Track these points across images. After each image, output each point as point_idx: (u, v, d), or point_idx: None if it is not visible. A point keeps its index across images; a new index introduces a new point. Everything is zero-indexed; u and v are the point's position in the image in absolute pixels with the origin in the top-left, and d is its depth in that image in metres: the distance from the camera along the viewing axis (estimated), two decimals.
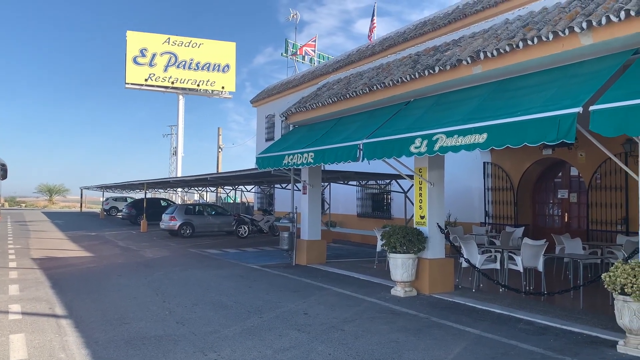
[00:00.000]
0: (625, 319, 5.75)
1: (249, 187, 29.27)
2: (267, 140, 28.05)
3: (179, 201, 44.37)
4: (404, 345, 6.03)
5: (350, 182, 18.90)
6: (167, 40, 46.50)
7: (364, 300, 8.68)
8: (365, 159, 8.72)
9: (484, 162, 15.47)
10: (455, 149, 7.01)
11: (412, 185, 10.09)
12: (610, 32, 6.06)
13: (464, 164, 15.44)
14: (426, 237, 9.24)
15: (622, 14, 5.80)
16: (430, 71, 8.46)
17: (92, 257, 14.86)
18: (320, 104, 11.50)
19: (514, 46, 7.08)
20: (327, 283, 10.30)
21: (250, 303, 8.32)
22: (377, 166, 12.34)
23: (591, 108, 5.43)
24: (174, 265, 13.06)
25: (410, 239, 8.97)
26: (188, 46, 47.02)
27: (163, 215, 22.94)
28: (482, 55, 7.54)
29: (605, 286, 5.91)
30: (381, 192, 20.25)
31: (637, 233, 6.34)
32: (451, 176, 13.24)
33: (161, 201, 33.98)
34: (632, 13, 5.71)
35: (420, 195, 9.52)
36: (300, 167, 11.18)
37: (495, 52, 7.35)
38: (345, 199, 21.75)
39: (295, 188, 14.38)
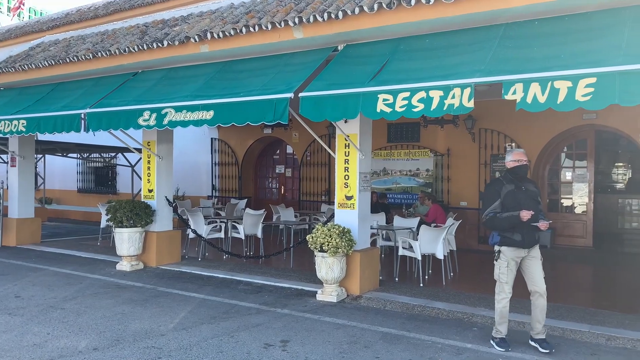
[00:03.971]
0: (323, 272, 6.95)
1: None
2: None
3: None
4: (130, 316, 6.10)
5: (70, 155, 17.38)
6: None
7: (86, 277, 8.33)
8: (91, 129, 8.28)
9: (211, 138, 16.10)
10: (184, 123, 7.26)
11: (140, 158, 9.97)
12: (316, 29, 7.05)
13: (193, 139, 15.79)
14: (154, 210, 9.31)
15: (325, 15, 6.83)
16: (159, 44, 8.45)
17: None
18: (34, 65, 10.30)
19: (238, 31, 7.62)
20: (43, 263, 9.48)
21: None
22: (101, 138, 11.74)
23: (300, 95, 6.32)
24: None
25: (137, 212, 8.92)
26: None
27: None
28: (209, 35, 7.89)
29: (309, 246, 7.02)
30: (106, 165, 19.17)
31: (335, 202, 7.66)
32: (180, 151, 13.45)
33: None
34: (332, 16, 6.76)
35: (149, 169, 9.50)
36: (7, 135, 9.90)
37: (221, 34, 7.78)
38: (63, 173, 19.87)
39: (1, 160, 12.59)
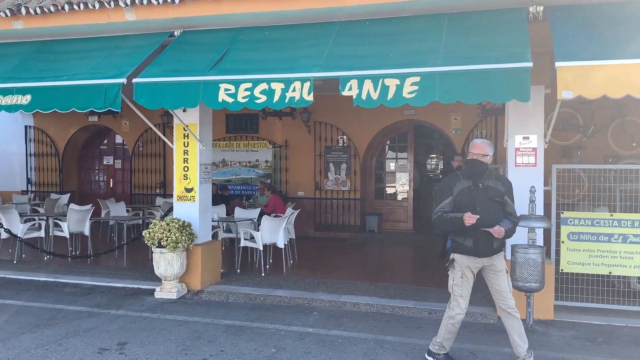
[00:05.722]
0: (162, 268, 6.66)
1: None
2: None
3: None
4: None
5: None
6: None
7: None
8: None
9: (25, 126, 14.35)
10: None
11: None
12: (151, 12, 6.62)
13: (2, 126, 13.93)
14: None
15: None
16: None
17: None
18: None
19: (60, 8, 6.85)
20: None
21: None
22: None
23: (134, 81, 5.93)
24: None
25: None
26: None
27: None
28: (23, 10, 6.98)
29: (146, 242, 6.66)
30: None
31: (172, 195, 7.36)
32: None
33: None
34: (169, 0, 6.44)
35: None
36: None
37: (38, 10, 6.93)
38: None
39: None
